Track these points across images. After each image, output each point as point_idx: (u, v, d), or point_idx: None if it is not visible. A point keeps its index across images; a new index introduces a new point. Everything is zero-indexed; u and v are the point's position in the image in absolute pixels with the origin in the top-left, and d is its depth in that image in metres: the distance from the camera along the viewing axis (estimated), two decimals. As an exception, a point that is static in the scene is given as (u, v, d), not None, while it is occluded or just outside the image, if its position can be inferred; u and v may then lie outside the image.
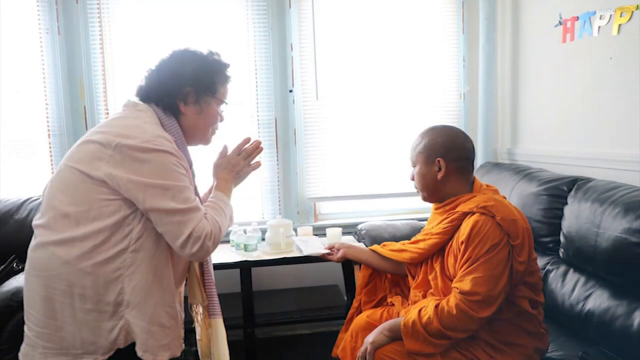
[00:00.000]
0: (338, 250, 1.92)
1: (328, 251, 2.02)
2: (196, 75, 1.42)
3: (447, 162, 1.54)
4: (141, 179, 1.25)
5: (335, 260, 1.93)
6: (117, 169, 1.26)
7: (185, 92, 1.41)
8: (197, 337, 1.57)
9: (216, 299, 1.56)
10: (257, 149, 1.56)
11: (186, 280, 1.55)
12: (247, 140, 1.56)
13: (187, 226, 1.29)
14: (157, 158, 1.27)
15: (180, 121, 1.43)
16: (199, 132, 1.47)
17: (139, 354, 1.33)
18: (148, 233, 1.32)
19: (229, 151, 1.56)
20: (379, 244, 1.83)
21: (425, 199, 1.64)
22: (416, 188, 1.64)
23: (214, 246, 1.35)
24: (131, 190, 1.26)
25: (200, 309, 1.57)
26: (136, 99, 1.44)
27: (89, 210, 1.27)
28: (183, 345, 1.44)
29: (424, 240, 1.60)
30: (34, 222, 1.35)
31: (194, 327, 1.59)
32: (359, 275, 1.85)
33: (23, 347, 1.34)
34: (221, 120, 1.52)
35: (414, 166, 1.62)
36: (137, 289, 1.30)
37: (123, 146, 1.26)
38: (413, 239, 1.68)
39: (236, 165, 1.53)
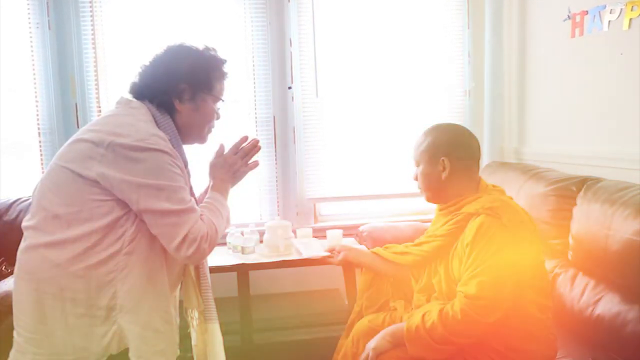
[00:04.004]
0: (339, 252, 1.91)
1: (328, 254, 2.02)
2: (192, 72, 1.41)
3: (452, 162, 1.52)
4: (135, 178, 1.24)
5: (336, 263, 1.92)
6: (109, 168, 1.24)
7: (180, 89, 1.41)
8: (193, 342, 1.58)
9: (212, 303, 1.55)
10: (254, 147, 1.55)
11: (181, 283, 1.54)
12: (245, 138, 1.55)
13: (182, 228, 1.28)
14: (151, 157, 1.26)
15: (175, 119, 1.42)
16: (195, 130, 1.47)
17: None
18: (142, 235, 1.30)
19: (226, 150, 1.54)
20: (381, 247, 1.81)
21: (429, 199, 1.62)
22: (420, 188, 1.63)
23: (210, 248, 1.35)
24: (124, 191, 1.25)
25: (196, 314, 1.56)
26: (130, 96, 1.44)
27: (81, 211, 1.26)
28: (178, 351, 1.44)
29: (427, 242, 1.59)
30: (24, 224, 1.34)
31: (190, 333, 1.58)
32: (361, 279, 1.83)
33: (12, 353, 1.33)
34: (217, 118, 1.51)
35: (418, 166, 1.60)
36: (131, 293, 1.29)
37: (116, 145, 1.25)
38: (416, 241, 1.67)
39: (233, 165, 1.52)
